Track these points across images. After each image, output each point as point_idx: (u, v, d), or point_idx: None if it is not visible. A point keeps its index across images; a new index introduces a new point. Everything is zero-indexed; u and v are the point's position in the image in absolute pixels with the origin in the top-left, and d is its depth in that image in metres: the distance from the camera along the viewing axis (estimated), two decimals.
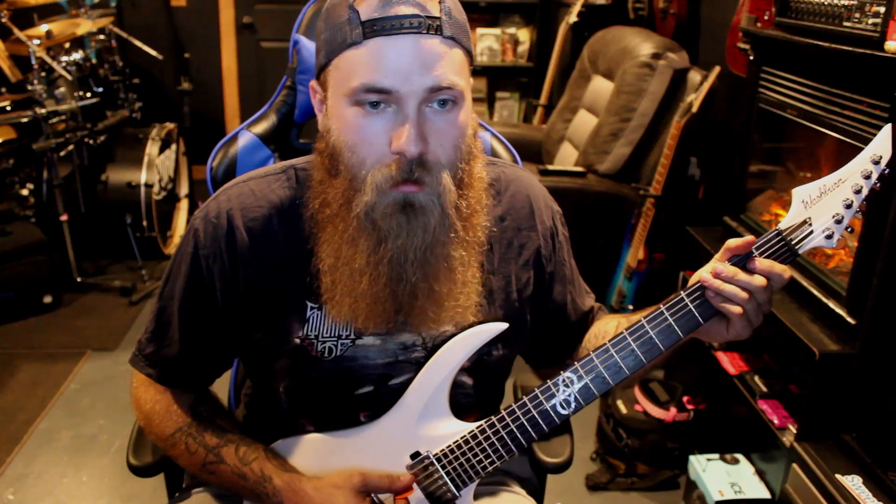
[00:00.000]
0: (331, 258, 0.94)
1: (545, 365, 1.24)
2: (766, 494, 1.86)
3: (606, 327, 1.15)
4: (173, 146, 3.79)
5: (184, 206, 4.00)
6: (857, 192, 0.89)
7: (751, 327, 0.93)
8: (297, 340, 1.00)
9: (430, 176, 0.89)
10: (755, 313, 0.91)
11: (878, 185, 0.89)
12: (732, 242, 0.91)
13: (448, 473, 1.01)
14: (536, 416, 0.97)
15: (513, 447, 0.98)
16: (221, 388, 1.24)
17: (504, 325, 1.01)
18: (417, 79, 0.86)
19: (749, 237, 0.92)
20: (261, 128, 1.35)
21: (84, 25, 3.64)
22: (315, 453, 1.05)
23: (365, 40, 0.86)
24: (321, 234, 0.96)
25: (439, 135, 0.89)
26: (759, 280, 0.89)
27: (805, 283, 1.78)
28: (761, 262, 0.90)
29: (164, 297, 1.05)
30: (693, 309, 0.92)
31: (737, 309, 0.90)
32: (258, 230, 1.00)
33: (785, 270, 0.91)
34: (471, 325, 1.01)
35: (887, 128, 0.89)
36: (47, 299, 3.19)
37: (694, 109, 2.46)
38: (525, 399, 0.97)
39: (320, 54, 0.93)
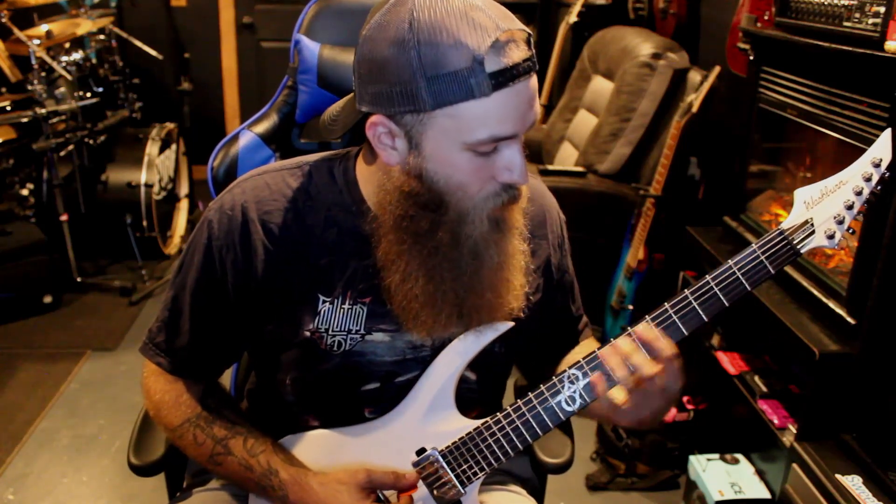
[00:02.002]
0: (425, 283, 0.96)
1: (532, 370, 1.27)
2: (766, 494, 1.86)
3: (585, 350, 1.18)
4: (173, 146, 3.80)
5: (184, 206, 4.00)
6: (858, 193, 0.91)
7: (636, 416, 0.96)
8: (308, 333, 1.01)
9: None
10: (642, 399, 0.94)
11: (879, 187, 0.91)
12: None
13: (453, 470, 1.01)
14: (542, 413, 0.97)
15: (518, 443, 0.99)
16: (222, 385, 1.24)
17: (510, 324, 1.03)
18: (530, 118, 0.90)
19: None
20: (262, 128, 1.35)
21: (84, 25, 3.64)
22: (321, 449, 1.06)
23: (493, 93, 0.85)
24: (398, 261, 0.96)
25: None
26: (650, 368, 0.91)
27: (805, 283, 1.79)
28: (668, 347, 0.92)
29: (177, 286, 1.06)
30: (697, 307, 0.93)
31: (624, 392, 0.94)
32: (273, 224, 1.00)
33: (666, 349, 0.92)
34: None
35: (888, 132, 0.91)
36: (47, 299, 3.19)
37: (694, 109, 2.46)
38: (531, 395, 0.98)
39: (409, 97, 0.86)
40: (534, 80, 0.89)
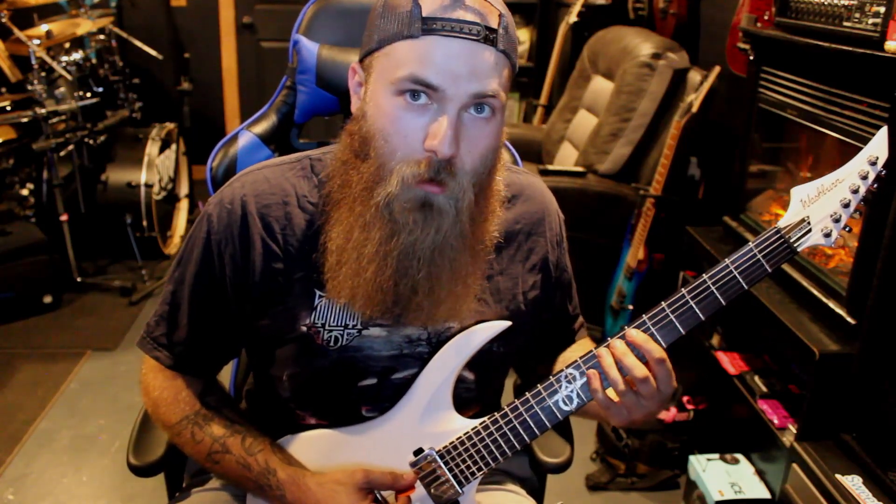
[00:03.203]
0: (340, 238, 0.95)
1: (527, 369, 1.28)
2: (766, 494, 1.86)
3: (580, 350, 1.19)
4: (173, 146, 3.80)
5: (184, 205, 4.00)
6: (855, 191, 0.91)
7: (624, 416, 0.96)
8: (304, 328, 1.01)
9: (454, 180, 0.90)
10: (632, 401, 0.93)
11: (875, 185, 0.91)
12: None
13: (451, 470, 1.01)
14: (539, 412, 0.97)
15: (516, 443, 0.99)
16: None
17: (507, 324, 1.03)
18: (465, 83, 0.87)
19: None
20: (261, 128, 1.35)
21: (84, 25, 3.64)
22: (319, 449, 1.06)
23: (423, 35, 0.87)
24: (334, 213, 0.97)
25: (471, 142, 0.91)
26: (641, 371, 0.91)
27: (805, 283, 1.79)
28: (656, 350, 0.91)
29: (175, 280, 1.06)
30: (693, 306, 0.93)
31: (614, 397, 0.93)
32: (271, 217, 1.01)
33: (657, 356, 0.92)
34: (481, 321, 1.03)
35: (884, 130, 0.91)
36: (47, 299, 3.19)
37: (694, 109, 2.46)
38: (528, 395, 0.98)
39: (371, 38, 0.93)
40: (486, 51, 0.88)
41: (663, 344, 0.93)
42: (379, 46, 0.91)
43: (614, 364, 0.92)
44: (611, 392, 0.94)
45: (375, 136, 0.91)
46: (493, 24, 0.89)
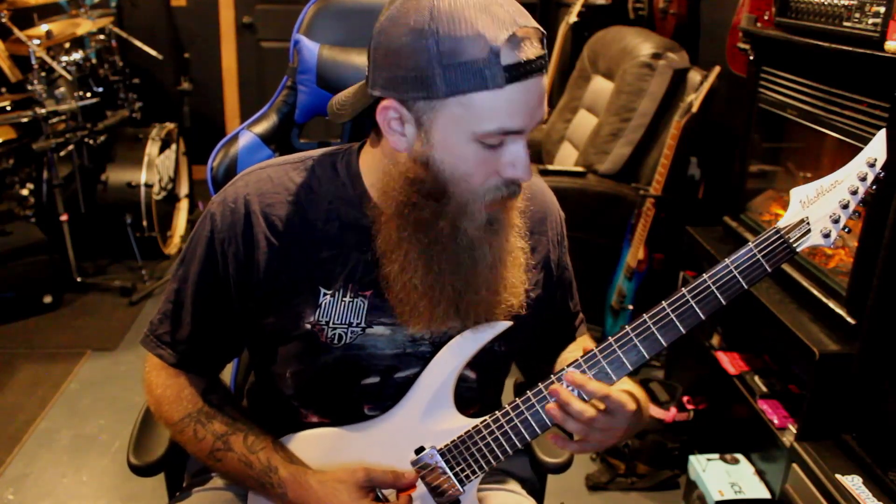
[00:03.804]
0: (424, 274, 0.97)
1: (528, 367, 1.29)
2: (766, 494, 1.86)
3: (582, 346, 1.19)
4: (173, 146, 3.80)
5: (184, 206, 4.00)
6: (854, 193, 0.91)
7: (599, 446, 0.98)
8: (308, 326, 1.02)
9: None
10: (597, 436, 0.95)
11: (874, 187, 0.91)
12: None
13: (452, 468, 1.02)
14: (540, 412, 0.98)
15: (517, 442, 0.99)
16: None
17: (509, 323, 1.04)
18: (538, 115, 0.91)
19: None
20: (261, 128, 1.35)
21: (84, 25, 3.64)
22: (321, 447, 1.06)
23: (506, 85, 0.86)
24: (396, 251, 0.97)
25: None
26: (588, 412, 0.92)
27: (805, 283, 1.79)
28: (598, 388, 0.93)
29: (179, 278, 1.06)
30: (694, 305, 0.94)
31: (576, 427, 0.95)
32: (275, 217, 1.01)
33: (624, 404, 0.94)
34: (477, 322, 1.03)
35: (882, 132, 0.92)
36: (47, 299, 3.19)
37: (694, 109, 2.46)
38: (529, 394, 0.99)
39: (424, 83, 0.87)
40: (545, 79, 0.90)
41: (613, 377, 0.95)
42: (447, 96, 0.87)
43: (563, 412, 0.94)
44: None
45: (456, 181, 0.93)
46: (545, 48, 0.90)
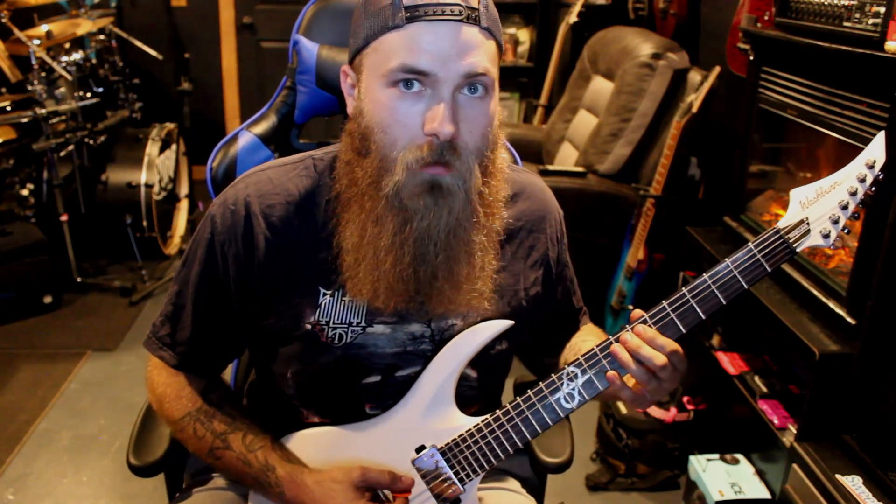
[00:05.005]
0: (355, 237, 0.96)
1: (533, 360, 1.29)
2: (766, 494, 1.86)
3: (586, 337, 1.20)
4: (173, 146, 3.80)
5: (184, 206, 4.00)
6: (853, 194, 0.92)
7: (647, 401, 0.97)
8: (308, 326, 1.02)
9: (459, 160, 0.91)
10: (654, 385, 0.95)
11: (873, 188, 0.92)
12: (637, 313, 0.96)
13: (452, 467, 1.02)
14: (541, 410, 0.98)
15: (518, 441, 1.00)
16: None
17: (510, 323, 1.04)
18: (454, 64, 0.89)
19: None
20: (261, 128, 1.35)
21: (84, 25, 3.64)
22: (321, 446, 1.06)
23: (407, 24, 0.89)
24: (345, 214, 0.98)
25: (470, 121, 0.92)
26: (660, 359, 0.92)
27: (805, 283, 1.78)
28: (667, 342, 0.93)
29: (180, 281, 1.07)
30: (694, 305, 0.94)
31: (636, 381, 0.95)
32: (275, 217, 1.02)
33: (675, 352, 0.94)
34: (482, 320, 1.04)
35: (882, 134, 0.93)
36: (47, 299, 3.19)
37: (694, 109, 2.46)
38: (530, 393, 0.99)
39: (357, 38, 0.95)
40: (470, 30, 0.90)
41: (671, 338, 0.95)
42: (366, 44, 0.93)
43: (632, 358, 0.93)
44: (628, 379, 0.95)
45: (374, 130, 0.92)
46: (474, 2, 0.90)
